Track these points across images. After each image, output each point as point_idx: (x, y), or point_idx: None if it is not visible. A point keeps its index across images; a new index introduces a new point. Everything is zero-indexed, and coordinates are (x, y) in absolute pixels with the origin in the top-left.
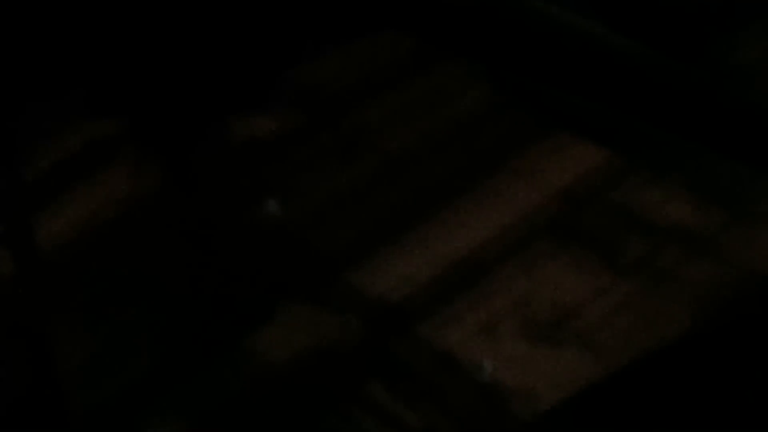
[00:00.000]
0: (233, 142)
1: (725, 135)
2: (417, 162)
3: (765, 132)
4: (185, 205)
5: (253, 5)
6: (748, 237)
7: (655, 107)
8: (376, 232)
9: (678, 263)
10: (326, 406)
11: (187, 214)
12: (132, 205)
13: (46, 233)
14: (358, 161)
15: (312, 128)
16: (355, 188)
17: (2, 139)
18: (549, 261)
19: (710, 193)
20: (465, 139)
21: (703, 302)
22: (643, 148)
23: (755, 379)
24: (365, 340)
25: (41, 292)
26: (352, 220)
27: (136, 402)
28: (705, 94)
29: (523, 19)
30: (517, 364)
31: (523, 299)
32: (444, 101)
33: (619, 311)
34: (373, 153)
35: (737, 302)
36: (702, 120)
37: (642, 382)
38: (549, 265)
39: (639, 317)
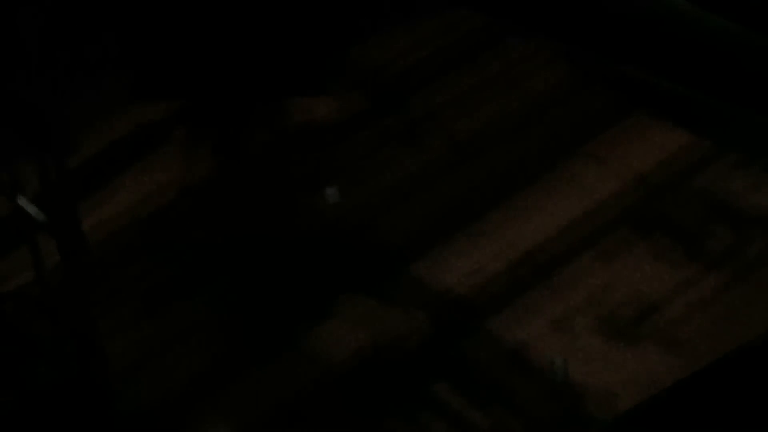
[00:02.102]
0: (290, 125)
1: None
2: (487, 147)
3: None
4: (240, 192)
5: None
6: None
7: (743, 88)
8: (443, 222)
9: (766, 255)
10: (390, 407)
11: (242, 202)
12: (183, 192)
13: (93, 222)
14: (425, 146)
15: (375, 111)
16: (421, 175)
17: (45, 125)
18: (628, 252)
19: None
20: (538, 121)
21: None
22: (729, 132)
23: None
24: (431, 336)
25: (88, 284)
26: (418, 208)
27: (189, 402)
28: None
29: None
30: (593, 362)
31: (600, 293)
32: (517, 82)
33: (704, 306)
34: (440, 137)
35: None
36: None
37: (728, 381)
38: (628, 256)
39: (725, 312)
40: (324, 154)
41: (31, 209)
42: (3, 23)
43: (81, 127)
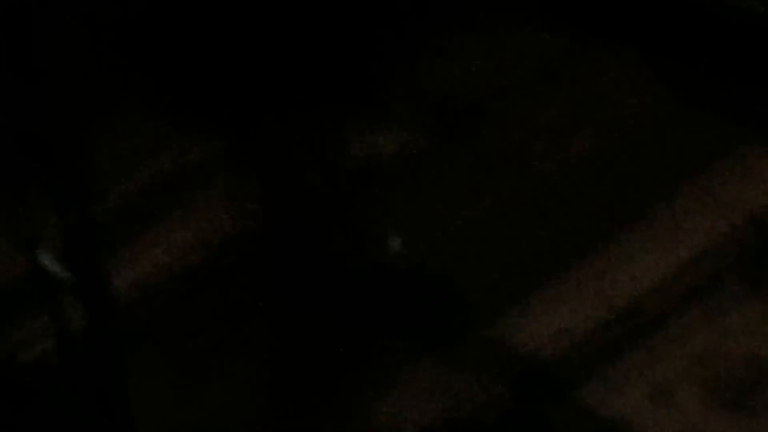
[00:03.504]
0: (349, 164)
1: None
2: (575, 186)
3: None
4: (291, 243)
5: None
6: None
7: None
8: (524, 274)
9: None
10: None
11: (294, 254)
12: (227, 244)
13: (124, 281)
14: (502, 186)
15: (444, 146)
16: (497, 220)
17: (73, 172)
18: (740, 307)
19: None
20: (634, 156)
21: None
22: None
23: None
24: (511, 408)
25: (119, 353)
26: (494, 258)
27: None
28: None
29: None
30: None
31: (708, 356)
32: (606, 110)
33: None
34: (520, 176)
35: None
36: None
37: None
38: (740, 312)
39: None
40: (387, 195)
41: (54, 267)
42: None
43: (109, 170)
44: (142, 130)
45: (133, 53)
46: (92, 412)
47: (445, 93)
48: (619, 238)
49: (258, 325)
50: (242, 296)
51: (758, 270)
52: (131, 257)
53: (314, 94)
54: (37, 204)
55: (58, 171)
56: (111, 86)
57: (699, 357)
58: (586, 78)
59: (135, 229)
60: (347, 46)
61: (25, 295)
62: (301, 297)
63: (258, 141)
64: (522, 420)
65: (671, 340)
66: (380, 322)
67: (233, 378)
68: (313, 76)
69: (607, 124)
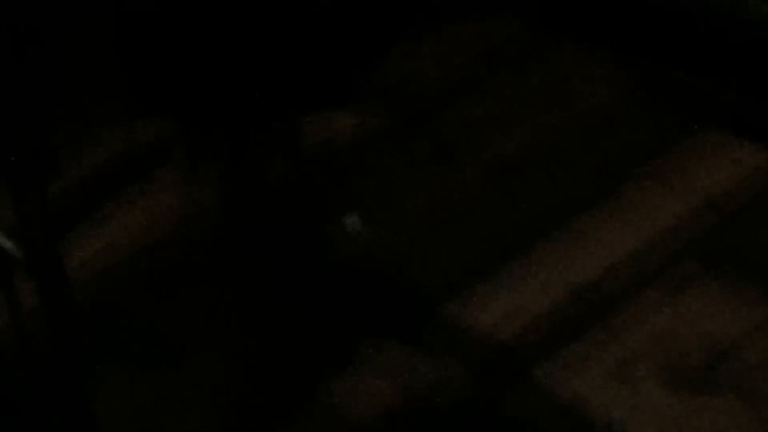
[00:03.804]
0: (307, 146)
1: None
2: (531, 169)
3: None
4: (248, 222)
5: None
6: None
7: None
8: (481, 256)
9: None
10: None
11: (251, 234)
12: (183, 223)
13: (78, 259)
14: (459, 169)
15: (402, 129)
16: (455, 202)
17: (26, 150)
18: (697, 289)
19: None
20: (591, 139)
21: None
22: None
23: None
24: (469, 389)
25: (73, 332)
26: (452, 240)
27: None
28: None
29: None
30: (656, 416)
31: (665, 336)
32: (567, 95)
33: None
34: (476, 158)
35: None
36: None
37: None
38: (697, 293)
39: None
40: (345, 177)
41: (6, 244)
42: None
43: (64, 148)
44: (97, 109)
45: (90, 34)
46: (47, 388)
47: (405, 75)
48: (577, 220)
49: (215, 304)
50: (199, 275)
51: (715, 251)
52: (86, 235)
53: (272, 76)
54: None
55: (11, 150)
56: (66, 66)
57: (656, 337)
58: (547, 63)
59: (90, 207)
60: (307, 29)
61: None
62: (259, 277)
63: (214, 121)
64: (479, 399)
65: (629, 320)
66: (339, 303)
67: (192, 354)
68: (271, 56)
69: (567, 109)
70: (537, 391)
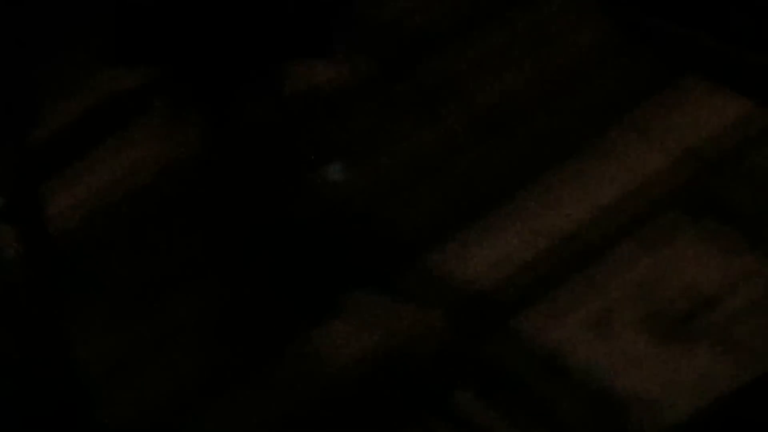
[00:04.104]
0: (289, 93)
1: None
2: (513, 118)
3: None
4: (229, 171)
5: None
6: None
7: None
8: (463, 205)
9: None
10: (405, 418)
11: (232, 182)
12: (165, 171)
13: (59, 206)
14: (441, 117)
15: (384, 77)
16: (437, 151)
17: (5, 98)
18: (678, 238)
19: None
20: (573, 88)
21: None
22: None
23: None
24: (451, 338)
25: (55, 280)
26: (433, 189)
27: (176, 414)
28: None
29: None
30: (637, 366)
31: (645, 286)
32: (548, 42)
33: (766, 300)
34: (459, 107)
35: None
36: None
37: None
38: (677, 243)
39: None
40: (326, 126)
41: None
42: None
43: (44, 95)
44: (77, 56)
45: None
46: (29, 338)
47: (386, 23)
48: (556, 171)
49: (197, 254)
50: (181, 223)
51: (695, 201)
52: (67, 183)
53: (258, 27)
54: None
55: None
56: (45, 13)
57: (637, 286)
58: (527, 12)
59: (70, 156)
60: None
61: None
62: (241, 225)
63: (197, 69)
64: (461, 349)
65: (609, 270)
66: (319, 251)
67: (172, 306)
68: (258, 9)
69: (548, 57)
70: (517, 339)
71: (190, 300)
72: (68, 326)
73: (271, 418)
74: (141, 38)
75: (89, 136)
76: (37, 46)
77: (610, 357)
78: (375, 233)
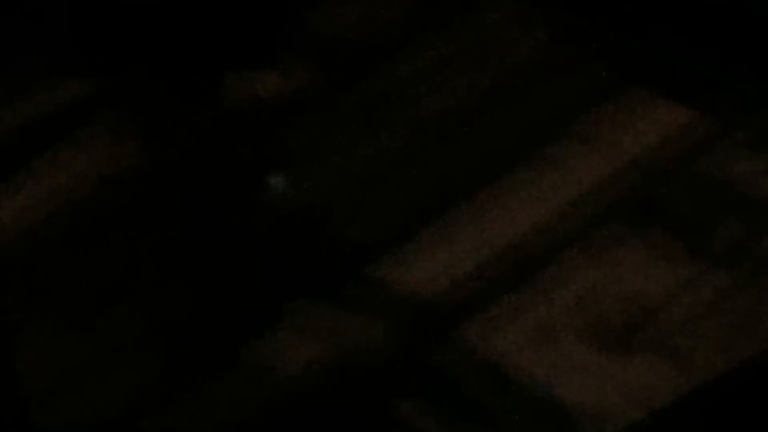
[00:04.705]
0: (233, 104)
1: None
2: (458, 128)
3: None
4: (174, 181)
5: None
6: None
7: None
8: (407, 216)
9: None
10: (349, 429)
11: (177, 192)
12: (108, 182)
13: (3, 215)
14: (385, 128)
15: (329, 87)
16: (381, 161)
17: None
18: (621, 248)
19: None
20: (517, 98)
21: None
22: (737, 107)
23: None
24: (395, 348)
25: None
26: (377, 200)
27: (121, 427)
28: None
29: None
30: (580, 376)
31: (589, 296)
32: (493, 53)
33: (709, 310)
34: (403, 117)
35: None
36: None
37: (737, 398)
38: (621, 253)
39: (734, 318)
40: (270, 136)
41: None
42: None
43: None
44: (21, 65)
45: None
46: None
47: (331, 34)
48: (500, 181)
49: (139, 266)
50: (123, 235)
51: (639, 211)
52: (10, 194)
53: (196, 33)
54: None
55: None
56: None
57: (580, 297)
58: (472, 22)
59: (14, 166)
60: None
61: None
62: (185, 235)
63: (140, 79)
64: (405, 359)
65: (552, 280)
66: (265, 262)
67: (115, 318)
68: (196, 15)
69: (492, 68)
70: (461, 350)
71: (132, 312)
72: (8, 339)
73: (213, 430)
74: (89, 48)
75: (31, 146)
76: None
77: (553, 367)
78: (319, 243)
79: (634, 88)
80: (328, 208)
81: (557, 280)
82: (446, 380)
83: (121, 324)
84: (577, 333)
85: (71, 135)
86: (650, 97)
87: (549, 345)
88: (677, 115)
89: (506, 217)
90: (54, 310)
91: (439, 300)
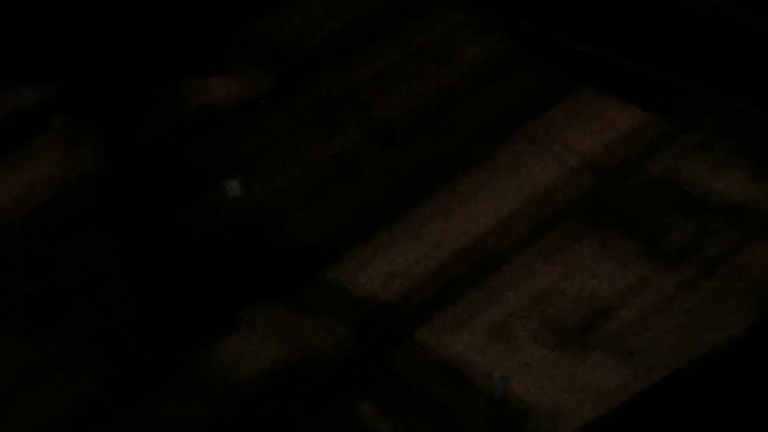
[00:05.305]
0: (186, 110)
1: None
2: (412, 131)
3: None
4: (128, 187)
5: None
6: None
7: (704, 56)
8: (363, 218)
9: (732, 248)
10: (309, 430)
11: (131, 199)
12: (64, 188)
13: None
14: (340, 131)
15: (283, 92)
16: (336, 164)
17: None
18: (574, 248)
19: None
20: (470, 101)
21: (764, 296)
22: (687, 109)
23: None
24: (352, 349)
25: None
26: (333, 203)
27: (75, 429)
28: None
29: None
30: (536, 374)
31: (544, 296)
32: (446, 56)
33: (662, 308)
34: (357, 120)
35: None
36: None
37: (689, 396)
38: (575, 253)
39: (686, 315)
40: (224, 141)
41: None
42: None
43: None
44: None
45: None
46: None
47: (285, 39)
48: (455, 183)
49: (95, 270)
50: (79, 240)
51: (594, 211)
52: None
53: (156, 45)
54: None
55: None
56: None
57: (536, 296)
58: (424, 27)
59: None
60: None
61: None
62: (141, 240)
63: (94, 86)
64: (363, 360)
65: (508, 281)
66: (222, 265)
67: (70, 322)
68: (150, 22)
69: (445, 72)
70: (419, 350)
71: (88, 316)
72: None
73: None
74: (38, 55)
75: None
76: None
77: (509, 366)
78: (276, 246)
79: (585, 90)
80: (284, 212)
81: (513, 281)
82: (404, 381)
83: (75, 329)
84: (532, 332)
85: (27, 143)
86: (602, 98)
87: (505, 345)
88: (628, 117)
89: (462, 219)
90: (10, 316)
91: (397, 301)
